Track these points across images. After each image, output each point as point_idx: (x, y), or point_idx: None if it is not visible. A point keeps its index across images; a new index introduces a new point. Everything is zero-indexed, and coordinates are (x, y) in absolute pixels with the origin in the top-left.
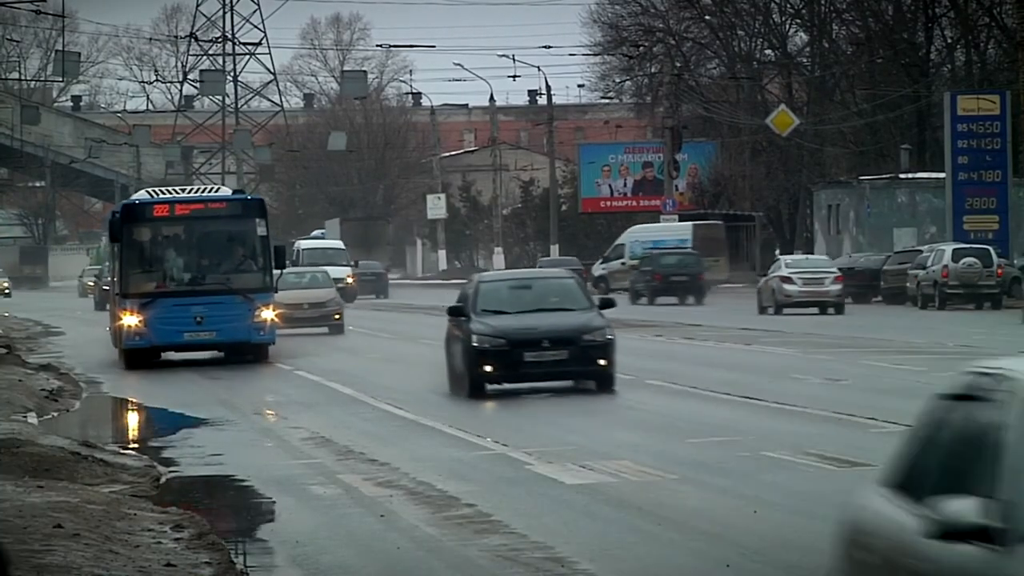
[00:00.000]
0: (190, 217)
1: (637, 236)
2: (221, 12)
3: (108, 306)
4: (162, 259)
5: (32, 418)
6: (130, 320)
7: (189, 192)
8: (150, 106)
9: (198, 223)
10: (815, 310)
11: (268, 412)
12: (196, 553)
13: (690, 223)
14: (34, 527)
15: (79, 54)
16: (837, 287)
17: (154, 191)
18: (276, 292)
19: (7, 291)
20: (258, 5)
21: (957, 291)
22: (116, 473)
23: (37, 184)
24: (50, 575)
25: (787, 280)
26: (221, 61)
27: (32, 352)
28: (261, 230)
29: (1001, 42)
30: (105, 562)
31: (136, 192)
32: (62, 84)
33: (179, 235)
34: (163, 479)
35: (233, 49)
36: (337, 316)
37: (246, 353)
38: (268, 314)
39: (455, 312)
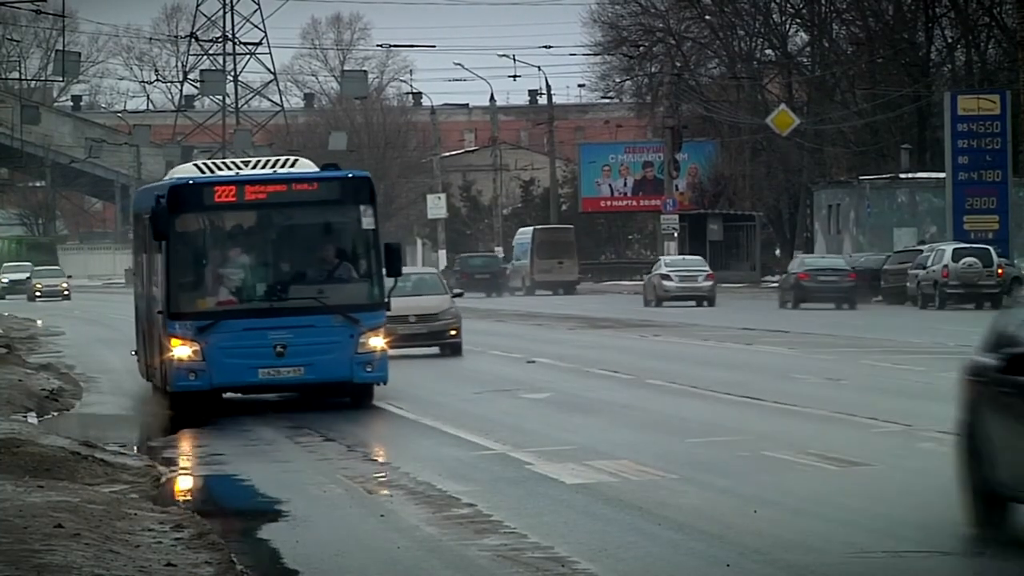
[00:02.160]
0: (267, 204)
1: (519, 239)
2: (221, 12)
3: (137, 324)
4: (227, 263)
5: (32, 418)
6: (182, 351)
7: (259, 166)
8: (150, 106)
9: (278, 212)
10: (692, 303)
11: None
12: (196, 553)
13: (531, 228)
14: (34, 527)
15: (79, 54)
16: (708, 283)
17: (207, 164)
18: (389, 309)
19: (67, 293)
20: (258, 5)
21: (957, 291)
22: (116, 473)
23: (37, 184)
24: (50, 575)
25: (666, 277)
26: (221, 61)
27: (32, 352)
28: (367, 221)
29: (1001, 42)
30: (105, 562)
31: (178, 168)
32: (62, 84)
33: (252, 229)
34: (163, 479)
35: (233, 49)
36: (453, 332)
37: (343, 395)
38: (378, 341)
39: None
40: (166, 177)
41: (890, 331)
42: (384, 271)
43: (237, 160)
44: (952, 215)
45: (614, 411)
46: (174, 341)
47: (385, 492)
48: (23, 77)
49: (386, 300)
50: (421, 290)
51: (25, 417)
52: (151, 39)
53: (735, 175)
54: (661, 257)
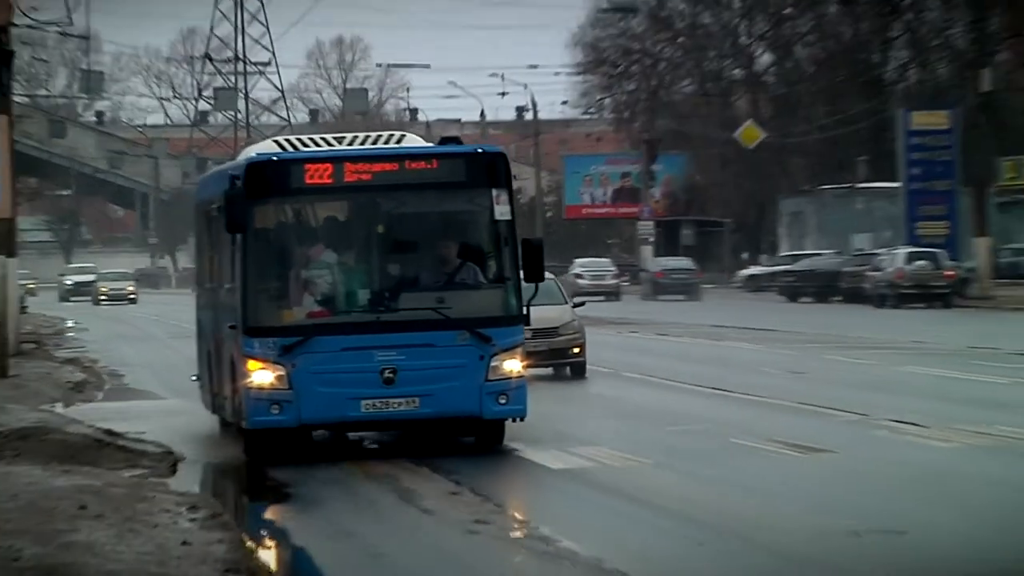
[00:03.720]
0: (373, 187)
1: None
2: (233, 34)
3: (200, 342)
4: (321, 264)
5: (59, 408)
6: (262, 377)
7: (357, 142)
8: (168, 121)
9: (388, 198)
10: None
11: None
12: (210, 532)
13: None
14: (60, 508)
15: (103, 73)
16: (614, 281)
17: (289, 140)
18: (528, 324)
19: (133, 296)
20: (267, 28)
21: (910, 291)
22: (136, 459)
23: (63, 192)
24: (75, 552)
25: (579, 276)
26: (233, 79)
27: (59, 347)
28: (501, 210)
29: (951, 61)
30: (126, 540)
31: (253, 146)
32: (87, 100)
33: (353, 220)
34: (180, 464)
35: (244, 68)
36: (576, 349)
37: (466, 432)
38: (515, 365)
39: None
40: (240, 156)
41: (848, 328)
42: (522, 275)
43: (327, 136)
44: (906, 221)
45: (590, 401)
46: (252, 364)
47: (388, 472)
48: (50, 94)
49: (525, 312)
50: (540, 299)
51: (52, 407)
52: (169, 59)
53: (706, 184)
54: (575, 260)
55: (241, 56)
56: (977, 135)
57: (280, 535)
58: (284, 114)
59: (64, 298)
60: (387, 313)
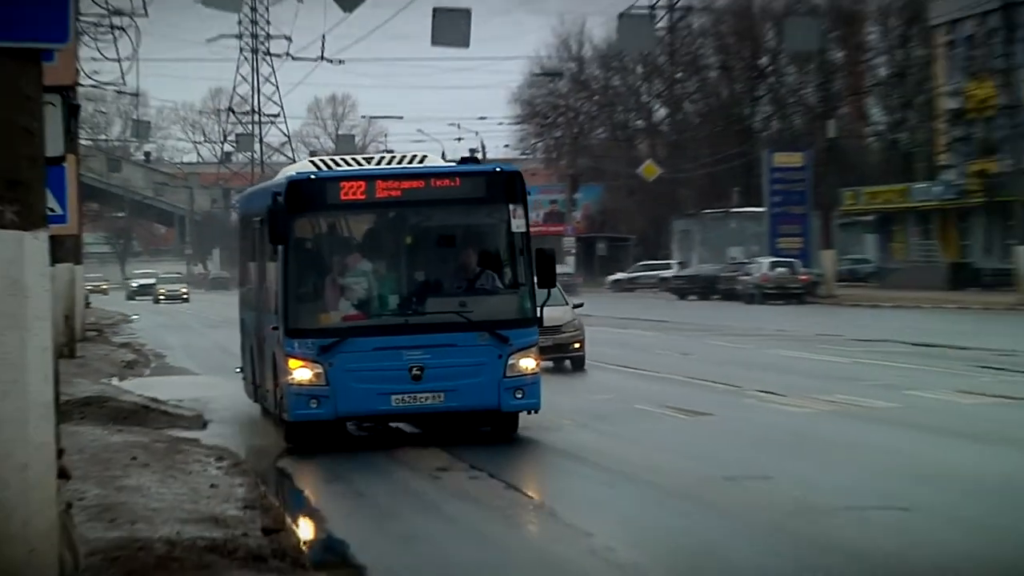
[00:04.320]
0: (402, 202)
1: None
2: (251, 93)
3: (243, 340)
4: (355, 271)
5: (114, 381)
6: (302, 374)
7: (384, 162)
8: (199, 159)
9: (415, 212)
10: None
11: None
12: (232, 477)
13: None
14: (116, 459)
15: (149, 122)
16: None
17: (324, 161)
18: (541, 326)
19: (186, 297)
20: (277, 88)
21: (773, 291)
22: (174, 420)
23: (118, 214)
24: (128, 494)
25: None
26: (251, 127)
27: (116, 334)
28: (517, 223)
29: (804, 114)
30: (167, 484)
31: (292, 166)
32: (137, 143)
33: (384, 232)
34: (209, 424)
35: (259, 119)
36: (577, 345)
37: (485, 423)
38: (530, 363)
39: None
40: (279, 175)
41: (725, 320)
42: (536, 281)
43: (358, 156)
44: (769, 238)
45: None
46: (293, 362)
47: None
48: (108, 139)
49: (539, 315)
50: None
51: (110, 381)
52: (200, 112)
53: (616, 209)
54: None
55: (256, 109)
56: (824, 171)
57: (288, 480)
58: (290, 154)
59: (130, 297)
60: (415, 316)
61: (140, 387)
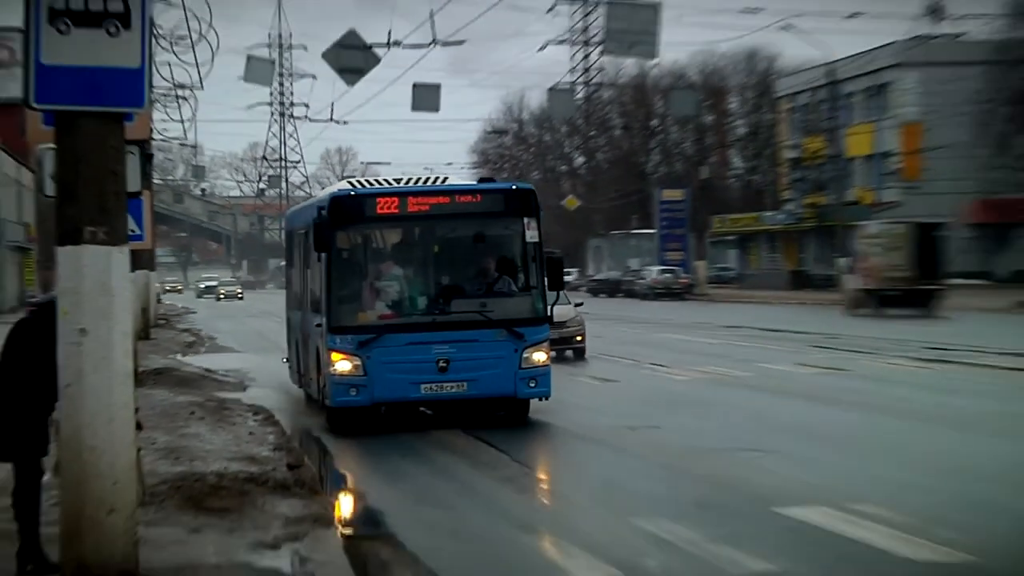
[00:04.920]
0: (430, 216)
1: None
2: (279, 145)
3: (289, 334)
4: (389, 276)
5: (178, 356)
6: (343, 366)
7: (417, 181)
8: (241, 193)
9: (441, 224)
10: None
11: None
12: (266, 427)
13: None
14: (179, 414)
15: (204, 167)
16: None
17: (359, 181)
18: (552, 324)
19: (241, 296)
20: (298, 141)
21: (661, 291)
22: (222, 385)
23: (181, 234)
24: (188, 439)
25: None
26: (279, 171)
27: (179, 322)
28: (531, 234)
29: (684, 161)
30: (216, 432)
31: (331, 187)
32: (195, 182)
33: (413, 241)
34: (248, 388)
35: (285, 165)
36: (579, 338)
37: (500, 408)
38: (542, 356)
39: None
40: (323, 192)
41: (627, 312)
42: (547, 284)
43: (388, 177)
44: (658, 252)
45: None
46: (335, 356)
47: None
48: (174, 179)
49: (550, 315)
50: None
51: (175, 356)
52: (242, 159)
53: (547, 232)
54: None
55: (283, 157)
56: (699, 203)
57: (312, 430)
58: (307, 191)
59: (199, 295)
60: (441, 315)
61: (197, 361)
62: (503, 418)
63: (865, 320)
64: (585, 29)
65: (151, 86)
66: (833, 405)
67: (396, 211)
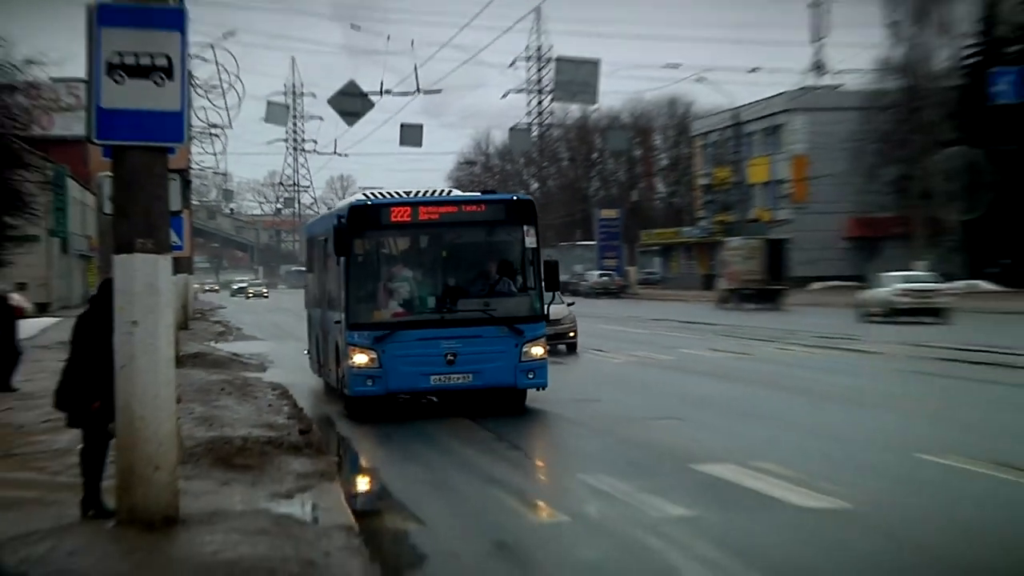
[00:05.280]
0: (439, 224)
1: None
2: (293, 173)
3: (310, 330)
4: (401, 278)
5: (212, 343)
6: (360, 359)
7: (422, 194)
8: (262, 212)
9: (448, 232)
10: None
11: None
12: (282, 400)
13: None
14: (212, 389)
15: (232, 190)
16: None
17: (373, 193)
18: (548, 321)
19: (267, 295)
20: (308, 171)
21: (600, 290)
22: (247, 366)
23: (214, 244)
24: (219, 409)
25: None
26: (293, 194)
27: (212, 316)
28: (530, 240)
29: (619, 186)
30: (242, 402)
31: (347, 199)
32: (225, 203)
33: (423, 247)
34: (268, 367)
35: (297, 189)
36: (572, 334)
37: (500, 397)
38: (539, 350)
39: None
40: (342, 203)
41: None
42: (544, 285)
43: (399, 189)
44: (598, 259)
45: None
46: (353, 350)
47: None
48: (208, 200)
49: (546, 313)
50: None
51: (208, 343)
52: (262, 184)
53: None
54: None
55: (296, 183)
56: (631, 220)
57: (324, 404)
58: (315, 211)
59: (233, 295)
60: (448, 314)
61: (226, 347)
62: (494, 399)
63: (731, 312)
64: (539, 80)
65: (189, 126)
66: (739, 382)
67: (408, 219)
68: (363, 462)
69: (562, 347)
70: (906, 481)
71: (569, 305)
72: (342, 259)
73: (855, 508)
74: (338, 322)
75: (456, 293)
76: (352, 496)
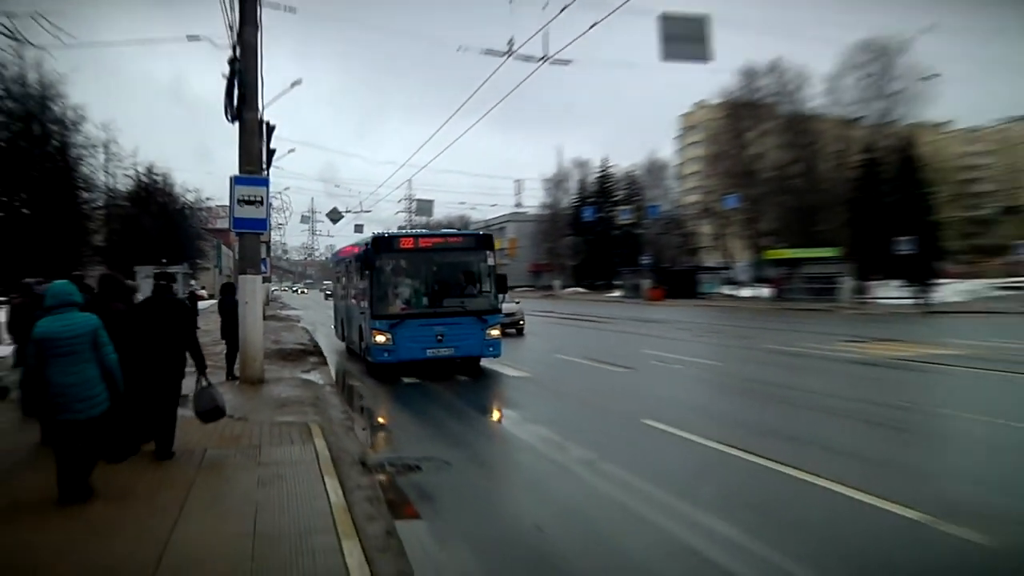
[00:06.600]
0: (432, 249)
1: None
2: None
3: (336, 315)
4: (407, 285)
5: (278, 311)
6: (380, 339)
7: (425, 231)
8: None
9: (438, 255)
10: None
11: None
12: (306, 334)
13: None
14: (277, 329)
15: (286, 245)
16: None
17: (387, 232)
18: (501, 313)
19: (305, 292)
20: (314, 207)
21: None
22: (291, 319)
23: (280, 270)
24: (281, 336)
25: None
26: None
27: (278, 301)
28: (490, 260)
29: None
30: (291, 334)
31: (368, 234)
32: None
33: (422, 264)
34: (299, 321)
35: (312, 226)
36: (521, 322)
37: (466, 363)
38: (496, 332)
39: None
40: (366, 235)
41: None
42: (497, 290)
43: (406, 229)
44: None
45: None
46: (375, 332)
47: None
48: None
49: (500, 308)
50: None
51: (276, 312)
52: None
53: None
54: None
55: (313, 216)
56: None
57: (349, 369)
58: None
59: (292, 293)
60: (439, 309)
61: (283, 312)
62: (465, 366)
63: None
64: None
65: (268, 223)
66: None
67: (412, 246)
68: (355, 381)
69: (512, 331)
70: None
71: (517, 303)
72: (367, 272)
73: (756, 457)
74: (363, 312)
75: (442, 295)
76: (338, 374)
